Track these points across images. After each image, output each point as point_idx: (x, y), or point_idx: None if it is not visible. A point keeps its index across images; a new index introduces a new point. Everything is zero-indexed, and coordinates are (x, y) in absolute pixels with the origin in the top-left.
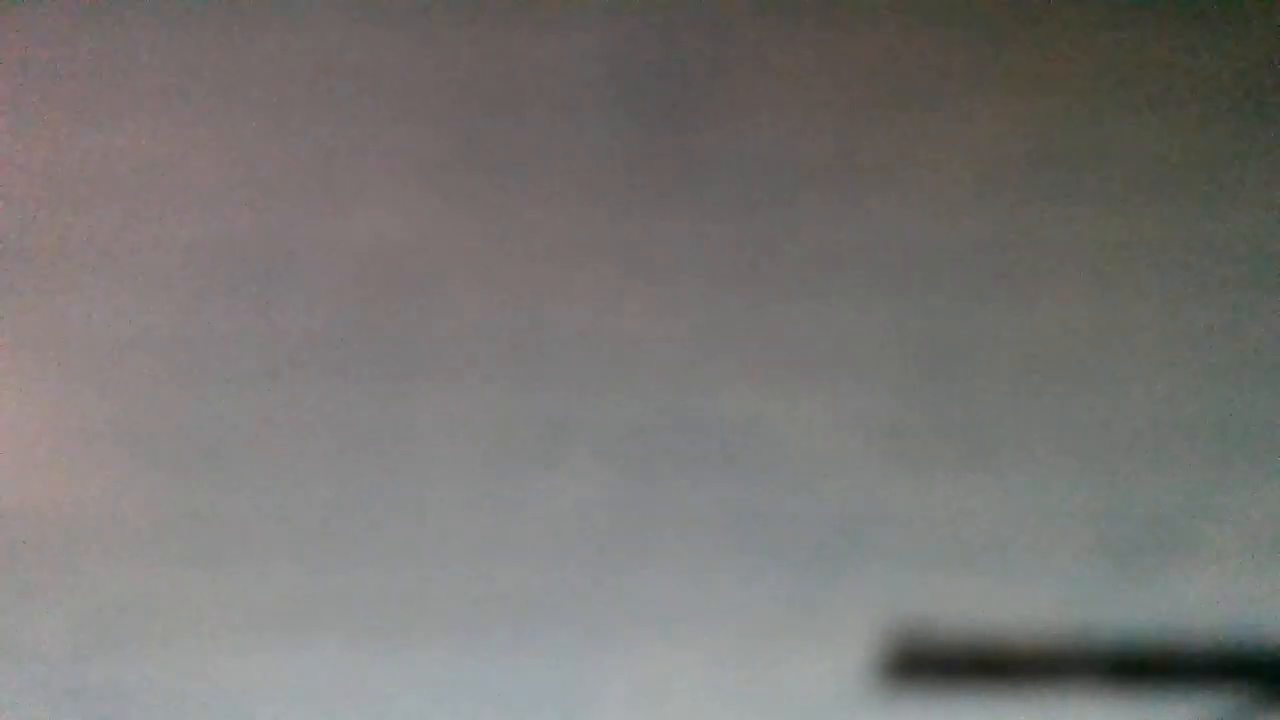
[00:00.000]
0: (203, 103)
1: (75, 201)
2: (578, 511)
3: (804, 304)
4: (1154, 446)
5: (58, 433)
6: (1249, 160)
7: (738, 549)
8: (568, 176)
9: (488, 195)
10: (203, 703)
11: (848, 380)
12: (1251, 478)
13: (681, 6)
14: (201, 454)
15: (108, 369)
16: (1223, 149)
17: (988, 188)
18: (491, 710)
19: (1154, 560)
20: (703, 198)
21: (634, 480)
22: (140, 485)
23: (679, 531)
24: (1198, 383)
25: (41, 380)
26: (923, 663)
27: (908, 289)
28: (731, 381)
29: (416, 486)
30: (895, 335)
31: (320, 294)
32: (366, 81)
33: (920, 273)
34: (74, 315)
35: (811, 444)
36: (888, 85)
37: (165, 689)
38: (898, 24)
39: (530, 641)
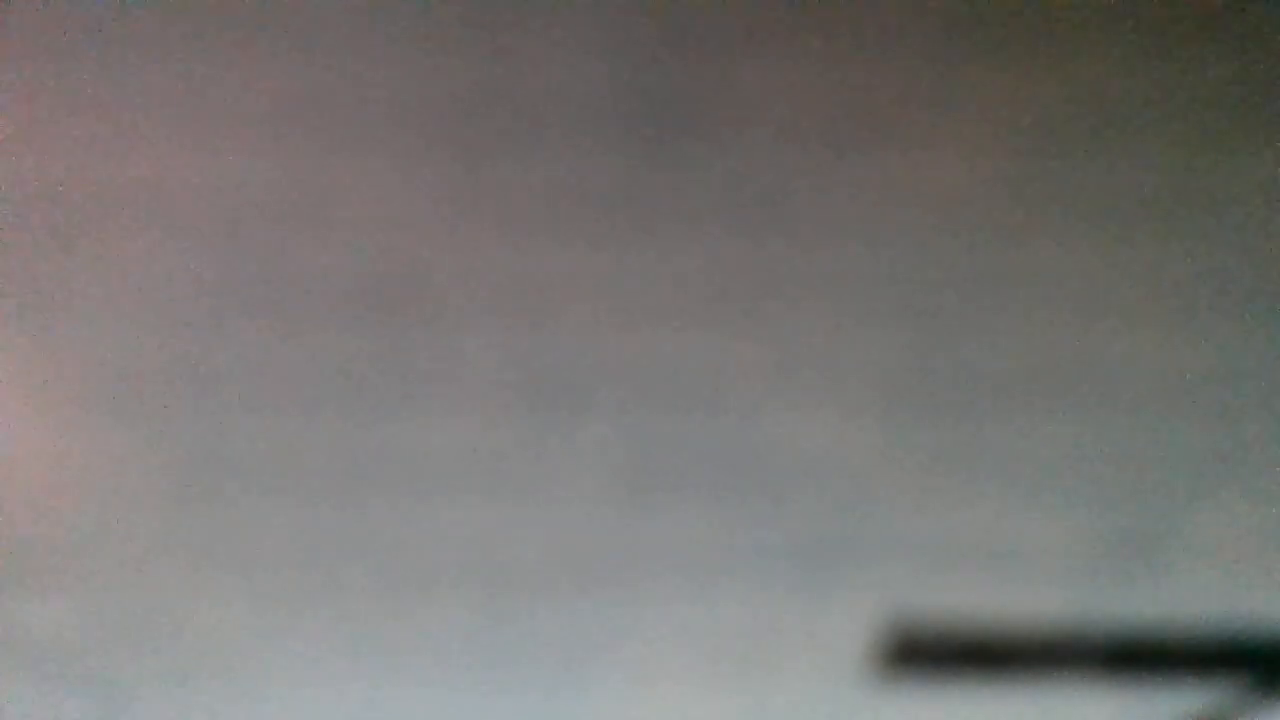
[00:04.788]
0: (207, 121)
1: (79, 217)
2: (578, 515)
3: (802, 312)
4: (1151, 437)
5: (60, 434)
6: (1240, 176)
7: (735, 551)
8: (568, 193)
9: (490, 212)
10: (206, 689)
11: (844, 384)
12: (1248, 469)
13: (679, 25)
14: (206, 455)
15: (111, 370)
16: (1214, 167)
17: (984, 204)
18: (493, 696)
19: (1150, 552)
20: (701, 214)
21: (634, 483)
22: (143, 487)
23: (677, 534)
24: (1193, 372)
25: (41, 374)
26: (919, 654)
27: (907, 288)
28: (730, 388)
29: (418, 499)
30: (892, 340)
31: (324, 307)
32: (370, 101)
33: (915, 281)
34: (79, 309)
35: (808, 447)
36: (883, 105)
37: (167, 691)
38: (892, 45)
39: (530, 629)
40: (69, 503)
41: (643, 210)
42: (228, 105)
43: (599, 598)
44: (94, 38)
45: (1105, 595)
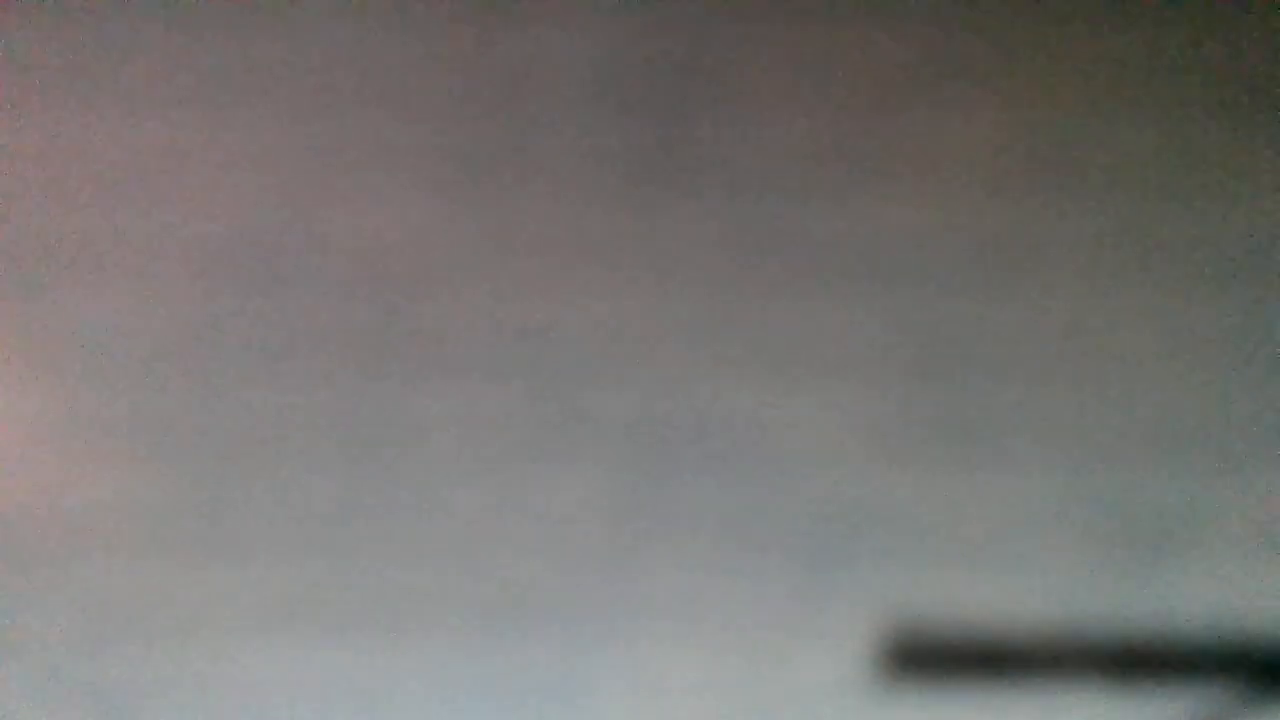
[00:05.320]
0: (203, 102)
1: (76, 198)
2: (579, 509)
3: (801, 301)
4: (1149, 442)
5: (60, 429)
6: (1248, 156)
7: (737, 546)
8: (565, 176)
9: (489, 193)
10: (207, 699)
11: (845, 377)
12: (1247, 473)
13: (677, 5)
14: (206, 449)
15: (110, 364)
16: (1222, 145)
17: (984, 184)
18: (494, 704)
19: (1150, 554)
20: (700, 195)
21: (634, 478)
22: (143, 482)
23: (678, 529)
24: (1193, 378)
25: (43, 376)
26: (920, 658)
27: (905, 285)
28: (730, 380)
29: (419, 483)
30: (893, 332)
31: (324, 290)
32: (367, 80)
33: (917, 269)
34: (76, 312)
35: (810, 441)
36: (885, 83)
37: (169, 685)
38: (895, 21)
39: (532, 637)
40: (69, 507)
41: (639, 195)
42: (222, 88)
43: (596, 594)
44: (91, 22)
45: (1109, 595)
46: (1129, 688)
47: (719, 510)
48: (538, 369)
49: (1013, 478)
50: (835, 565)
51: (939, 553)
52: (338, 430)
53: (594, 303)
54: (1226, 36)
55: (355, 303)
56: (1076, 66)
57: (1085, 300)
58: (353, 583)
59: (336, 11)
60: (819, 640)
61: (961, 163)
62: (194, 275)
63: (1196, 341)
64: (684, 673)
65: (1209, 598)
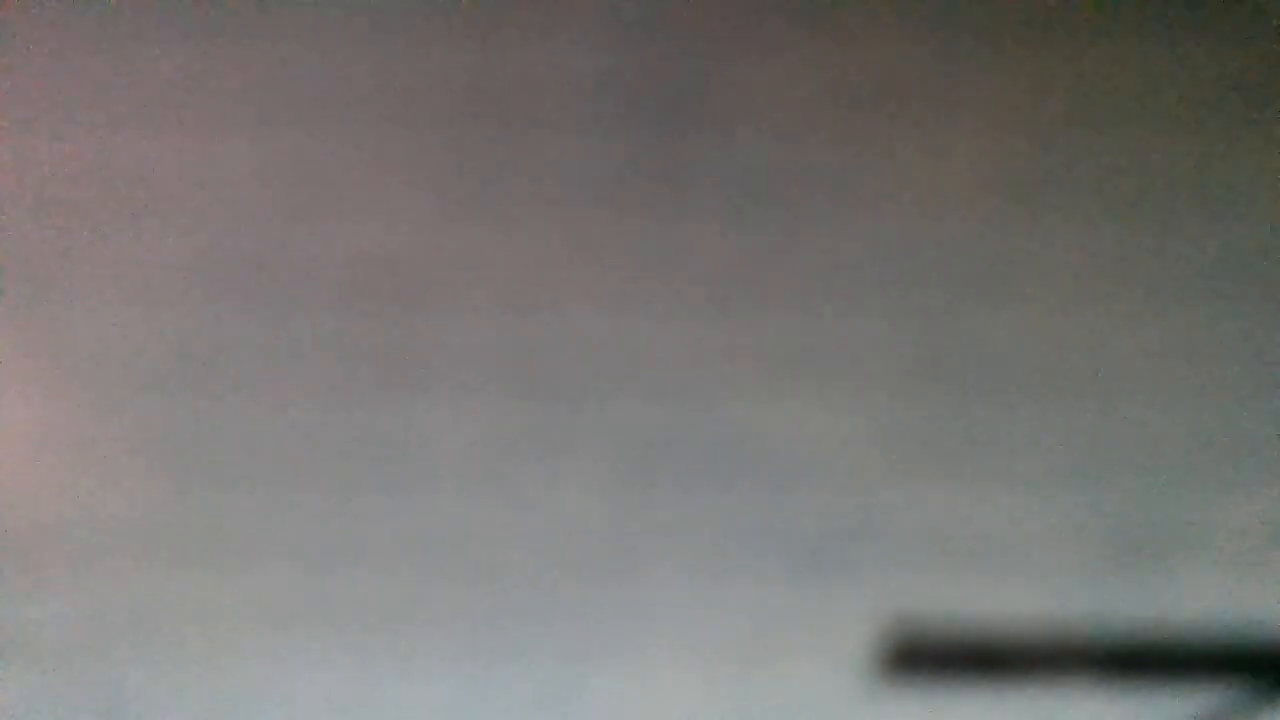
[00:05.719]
0: (203, 114)
1: (76, 210)
2: (578, 515)
3: (802, 310)
4: (1151, 445)
5: (61, 435)
6: (1243, 170)
7: (736, 551)
8: (566, 184)
9: (486, 203)
10: (204, 705)
11: (845, 385)
12: (1248, 475)
13: (677, 14)
14: (204, 456)
15: (110, 370)
16: (1218, 159)
17: (984, 197)
18: (491, 710)
19: (1151, 556)
20: (700, 206)
21: (634, 483)
22: (146, 487)
23: (678, 534)
24: (1196, 381)
25: (45, 382)
26: (920, 661)
27: (905, 294)
28: (729, 388)
29: (416, 493)
30: (893, 340)
31: (321, 301)
32: (365, 90)
33: (917, 279)
34: (78, 319)
35: (809, 447)
36: (884, 95)
37: (168, 691)
38: (894, 34)
39: (530, 642)
40: (69, 504)
41: (640, 202)
42: (222, 96)
43: (596, 596)
44: (91, 30)
45: (1108, 597)
46: (1128, 690)
47: (718, 516)
48: (536, 377)
49: (1013, 483)
50: (834, 570)
51: (939, 558)
52: (338, 438)
53: (594, 312)
54: (1222, 46)
55: (355, 312)
56: (1072, 80)
57: (1085, 310)
58: (352, 590)
59: (336, 22)
60: (818, 644)
61: (962, 176)
62: (194, 286)
63: (1196, 349)
64: (682, 678)
65: (1208, 600)
